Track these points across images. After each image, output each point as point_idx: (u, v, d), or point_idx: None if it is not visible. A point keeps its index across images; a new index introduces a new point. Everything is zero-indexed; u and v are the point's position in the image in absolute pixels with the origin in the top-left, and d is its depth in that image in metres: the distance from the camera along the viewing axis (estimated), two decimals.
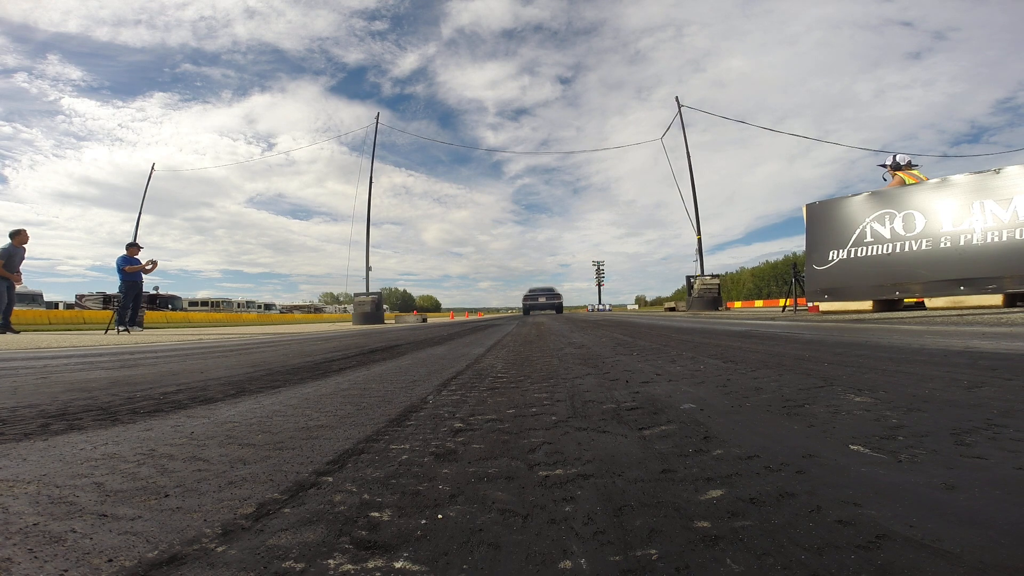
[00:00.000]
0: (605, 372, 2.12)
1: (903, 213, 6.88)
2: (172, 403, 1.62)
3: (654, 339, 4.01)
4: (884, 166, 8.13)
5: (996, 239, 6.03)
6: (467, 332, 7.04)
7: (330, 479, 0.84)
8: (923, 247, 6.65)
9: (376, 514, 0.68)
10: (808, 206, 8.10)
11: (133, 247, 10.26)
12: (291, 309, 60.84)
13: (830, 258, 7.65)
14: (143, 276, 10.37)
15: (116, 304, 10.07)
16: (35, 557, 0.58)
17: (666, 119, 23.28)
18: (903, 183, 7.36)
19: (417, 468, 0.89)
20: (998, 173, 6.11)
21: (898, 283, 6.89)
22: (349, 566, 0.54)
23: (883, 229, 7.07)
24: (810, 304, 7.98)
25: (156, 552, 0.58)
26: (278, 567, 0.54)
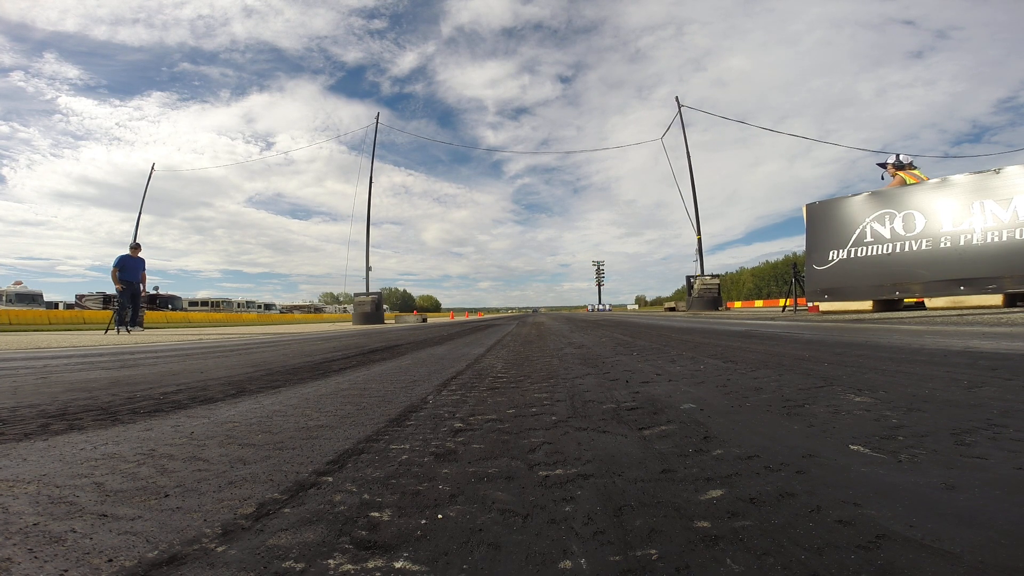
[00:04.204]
0: (605, 372, 2.12)
1: (903, 213, 6.88)
2: (172, 403, 1.62)
3: (654, 339, 4.01)
4: (883, 166, 8.12)
5: (996, 239, 6.03)
6: (467, 332, 7.04)
7: (330, 479, 0.84)
8: (923, 247, 6.65)
9: (376, 514, 0.68)
10: (808, 206, 8.10)
11: (134, 248, 10.32)
12: (291, 309, 60.85)
13: (830, 258, 7.65)
14: (141, 277, 10.37)
15: (115, 304, 10.08)
16: (35, 557, 0.58)
17: (666, 118, 23.31)
18: (904, 183, 7.36)
19: (417, 468, 0.89)
20: (998, 173, 6.11)
21: (898, 283, 6.89)
22: (349, 566, 0.54)
23: (883, 229, 7.06)
24: (810, 304, 7.98)
25: (156, 552, 0.58)
26: (278, 567, 0.54)
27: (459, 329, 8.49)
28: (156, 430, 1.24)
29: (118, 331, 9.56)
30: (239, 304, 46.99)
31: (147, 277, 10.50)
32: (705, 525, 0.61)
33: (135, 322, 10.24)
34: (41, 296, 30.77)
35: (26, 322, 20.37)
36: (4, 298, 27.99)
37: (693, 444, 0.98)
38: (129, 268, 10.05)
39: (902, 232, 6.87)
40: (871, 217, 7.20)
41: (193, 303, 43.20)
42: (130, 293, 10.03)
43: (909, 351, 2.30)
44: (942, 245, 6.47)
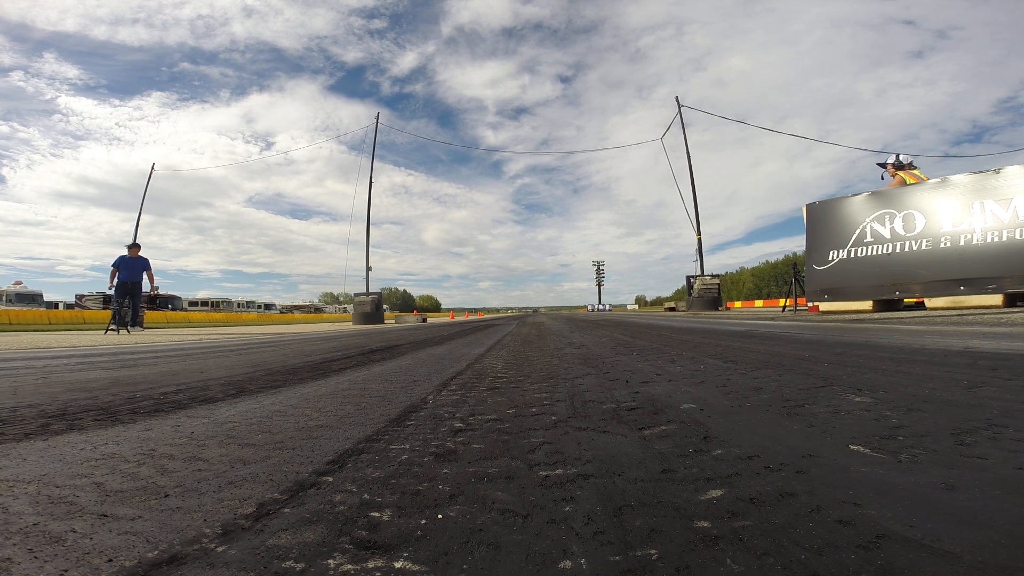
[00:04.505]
0: (605, 372, 2.12)
1: (903, 213, 6.88)
2: (172, 403, 1.62)
3: (654, 339, 4.01)
4: (882, 166, 8.12)
5: (996, 239, 6.02)
6: (467, 332, 7.04)
7: (330, 479, 0.84)
8: (923, 247, 6.65)
9: (376, 514, 0.68)
10: (808, 206, 8.10)
11: (133, 247, 10.28)
12: (291, 309, 60.86)
13: (830, 258, 7.65)
14: (148, 276, 10.31)
15: (114, 304, 10.07)
16: (35, 557, 0.58)
17: (666, 118, 23.31)
18: (904, 183, 7.36)
19: (417, 468, 0.89)
20: (998, 173, 6.11)
21: (898, 283, 6.89)
22: (349, 566, 0.54)
23: (883, 229, 7.06)
24: (810, 304, 7.98)
25: (156, 552, 0.58)
26: (278, 567, 0.54)
27: (459, 329, 8.49)
28: (156, 430, 1.24)
29: (118, 331, 9.55)
30: (239, 304, 46.99)
31: (153, 276, 10.44)
32: (705, 525, 0.61)
33: (135, 322, 10.20)
34: (41, 296, 30.77)
35: (26, 322, 20.37)
36: (4, 298, 27.99)
37: (693, 444, 0.98)
38: (126, 268, 9.97)
39: (902, 232, 6.87)
40: (871, 217, 7.20)
41: (193, 303, 43.21)
42: (125, 293, 9.92)
43: (909, 351, 2.30)
44: (942, 245, 6.47)
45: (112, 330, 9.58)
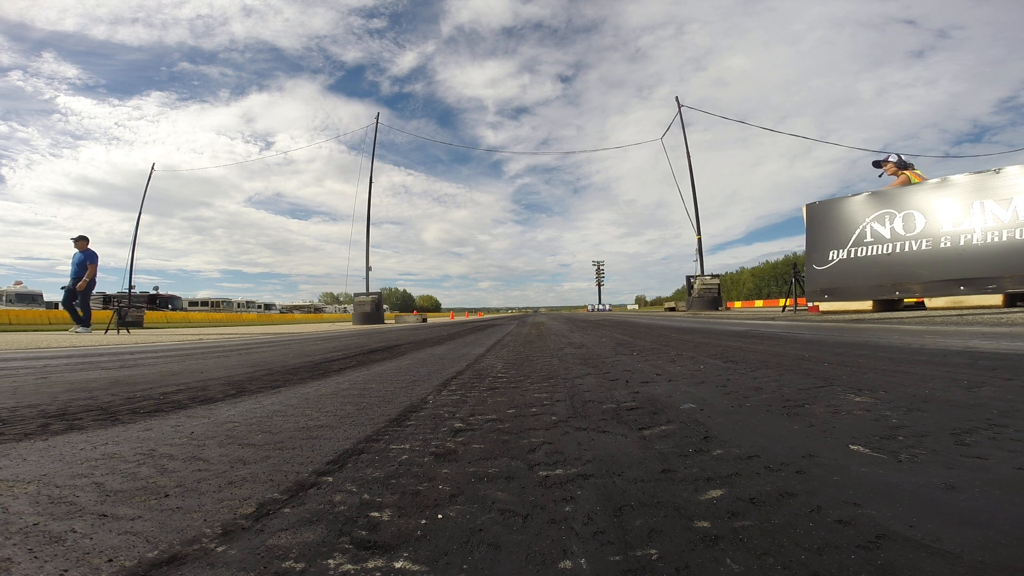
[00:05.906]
0: (605, 372, 2.12)
1: (903, 213, 6.87)
2: (172, 403, 1.62)
3: (654, 339, 4.01)
4: (878, 165, 8.08)
5: (996, 239, 6.02)
6: (467, 332, 7.04)
7: (330, 479, 0.84)
8: (923, 247, 6.65)
9: (376, 514, 0.68)
10: (808, 206, 8.09)
11: (79, 240, 9.36)
12: (291, 309, 60.83)
13: (830, 258, 7.65)
14: (89, 270, 9.30)
15: (115, 304, 9.99)
16: (35, 557, 0.58)
17: (667, 118, 23.30)
18: (908, 182, 7.35)
19: (417, 468, 0.89)
20: (998, 173, 6.11)
21: (898, 283, 6.89)
22: (349, 566, 0.54)
23: (883, 229, 7.06)
24: (810, 304, 7.98)
25: (156, 552, 0.58)
26: (278, 567, 0.54)
27: (459, 329, 8.49)
28: (156, 430, 1.24)
29: (118, 331, 9.51)
30: (239, 304, 46.97)
31: (93, 270, 9.25)
32: (705, 525, 0.61)
33: (83, 320, 9.12)
34: (41, 296, 30.73)
35: (26, 322, 20.35)
36: (4, 298, 27.98)
37: (693, 444, 0.98)
38: (73, 263, 9.25)
39: (902, 232, 6.87)
40: (871, 217, 7.20)
41: (193, 303, 43.17)
42: (68, 290, 9.11)
43: (909, 351, 2.30)
44: (942, 245, 6.47)
45: (112, 330, 9.56)
